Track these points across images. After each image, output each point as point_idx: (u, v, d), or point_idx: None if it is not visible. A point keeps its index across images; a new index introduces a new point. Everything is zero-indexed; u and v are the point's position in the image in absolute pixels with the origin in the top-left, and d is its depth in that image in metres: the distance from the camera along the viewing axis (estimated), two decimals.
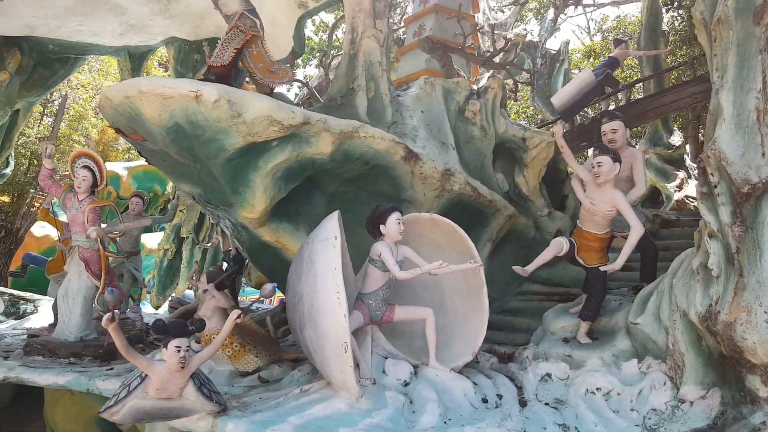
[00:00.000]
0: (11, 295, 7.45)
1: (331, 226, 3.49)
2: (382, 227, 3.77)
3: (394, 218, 3.77)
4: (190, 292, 8.79)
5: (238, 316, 3.19)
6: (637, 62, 12.94)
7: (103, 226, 5.38)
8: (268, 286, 3.63)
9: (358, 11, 4.81)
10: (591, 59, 17.96)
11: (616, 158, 3.96)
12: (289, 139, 3.88)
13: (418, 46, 6.50)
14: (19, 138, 23.11)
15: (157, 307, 9.01)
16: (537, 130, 5.52)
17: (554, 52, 15.42)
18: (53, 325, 6.48)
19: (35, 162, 23.82)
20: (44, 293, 8.16)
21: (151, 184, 20.48)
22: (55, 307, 6.59)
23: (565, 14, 15.22)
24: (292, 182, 4.31)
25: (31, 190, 24.26)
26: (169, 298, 8.46)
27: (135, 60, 8.53)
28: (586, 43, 20.70)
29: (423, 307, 3.91)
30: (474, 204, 4.88)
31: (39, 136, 23.69)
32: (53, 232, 11.97)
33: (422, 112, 4.90)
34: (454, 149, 4.84)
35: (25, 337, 6.00)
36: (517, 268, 4.02)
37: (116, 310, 3.61)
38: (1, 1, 6.14)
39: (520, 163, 5.49)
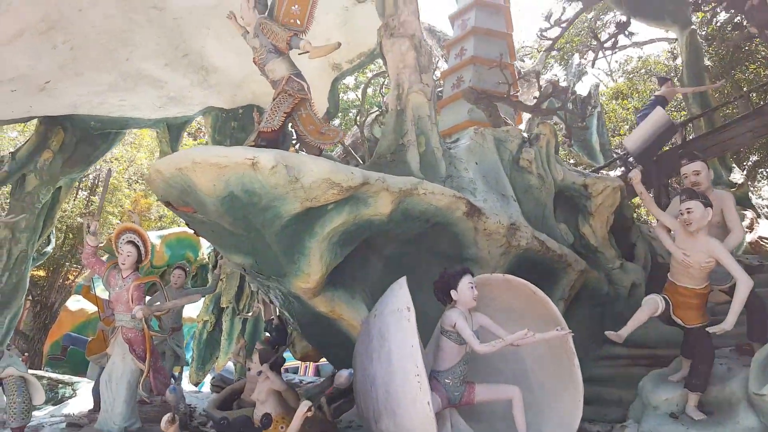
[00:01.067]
0: (49, 378, 7.22)
1: (401, 295, 3.17)
2: (453, 293, 3.43)
3: (466, 282, 3.43)
4: (230, 366, 8.45)
5: (309, 409, 2.82)
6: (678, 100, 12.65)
7: (148, 299, 5.16)
8: (344, 373, 3.20)
9: (402, 67, 4.68)
10: (618, 100, 17.79)
11: (707, 203, 3.60)
12: (346, 201, 3.65)
13: (463, 96, 6.37)
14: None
15: (196, 384, 8.65)
16: (598, 175, 5.20)
17: (584, 96, 15.33)
18: (93, 411, 6.17)
19: (71, 235, 24.34)
20: (82, 373, 7.92)
21: (184, 251, 20.60)
22: (95, 392, 6.30)
23: (585, 58, 15.19)
24: (348, 246, 4.04)
25: (67, 264, 24.72)
26: (210, 375, 8.11)
27: (173, 131, 8.65)
28: (609, 85, 20.64)
29: (507, 384, 3.49)
30: (542, 260, 4.51)
31: (75, 210, 24.42)
32: (88, 306, 11.88)
33: (476, 163, 4.64)
34: (515, 201, 4.53)
35: (64, 426, 5.71)
36: (610, 334, 3.59)
37: (176, 411, 3.25)
38: (47, 83, 6.27)
39: (584, 211, 5.14)
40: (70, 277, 25.71)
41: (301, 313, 4.66)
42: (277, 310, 7.69)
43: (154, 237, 20.06)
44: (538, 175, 4.92)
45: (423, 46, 4.73)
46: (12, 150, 7.26)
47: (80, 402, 6.68)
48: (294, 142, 4.63)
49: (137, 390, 4.94)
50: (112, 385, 4.91)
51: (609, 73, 21.58)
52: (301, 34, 4.16)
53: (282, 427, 4.13)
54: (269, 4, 4.36)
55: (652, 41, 17.01)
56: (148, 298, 5.83)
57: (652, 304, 3.60)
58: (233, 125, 8.85)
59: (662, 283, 3.84)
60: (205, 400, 6.86)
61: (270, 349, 4.45)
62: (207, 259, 14.60)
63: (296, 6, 4.16)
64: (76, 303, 11.81)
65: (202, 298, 9.14)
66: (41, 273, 25.64)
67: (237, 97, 8.38)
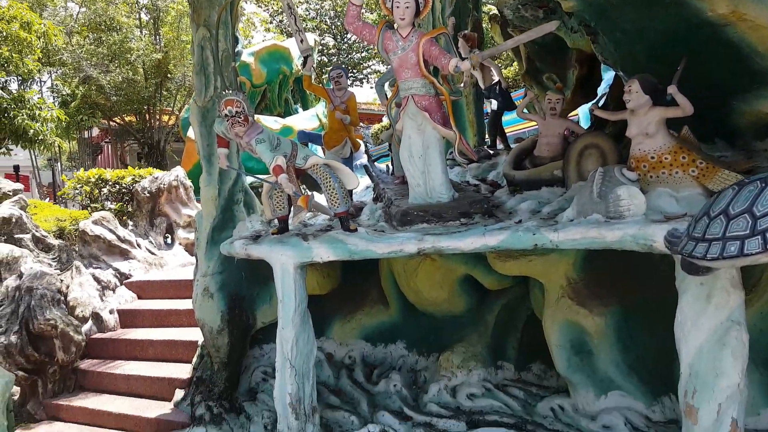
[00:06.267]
0: None
1: None
2: None
3: None
4: None
5: None
6: None
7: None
8: None
9: None
10: None
11: None
12: None
13: None
14: (131, 51, 23.20)
15: None
16: None
17: None
18: None
19: (152, 74, 24.09)
20: None
21: (278, 65, 19.97)
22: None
23: None
24: None
25: (156, 104, 24.90)
26: None
27: None
28: None
29: None
30: None
31: (149, 48, 23.62)
32: None
33: None
34: None
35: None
36: None
37: None
38: None
39: None
40: (164, 118, 26.21)
41: (662, 31, 3.82)
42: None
43: (246, 55, 19.22)
44: None
45: None
46: None
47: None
48: None
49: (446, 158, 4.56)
50: (415, 160, 4.51)
51: None
52: None
53: (683, 157, 3.64)
54: None
55: None
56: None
57: None
58: None
59: None
60: None
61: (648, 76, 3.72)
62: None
63: None
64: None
65: None
66: (133, 118, 26.24)
67: None
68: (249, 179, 6.90)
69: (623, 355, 4.14)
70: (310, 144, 6.68)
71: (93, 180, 8.88)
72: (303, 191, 4.51)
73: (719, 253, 2.29)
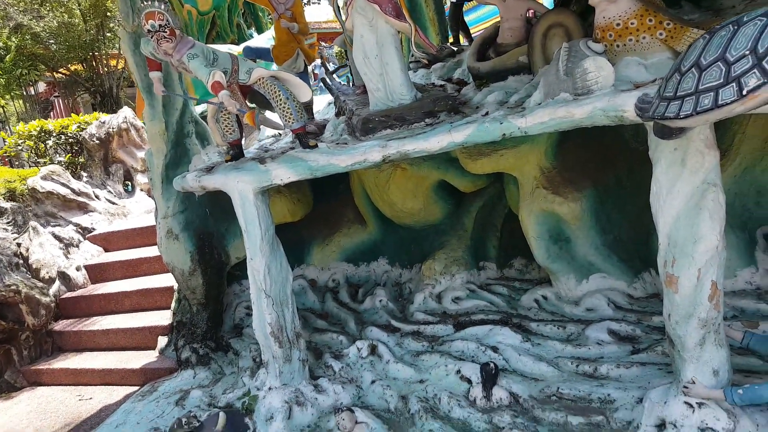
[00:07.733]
0: None
1: None
2: None
3: None
4: None
5: None
6: None
7: None
8: None
9: None
10: None
11: None
12: None
13: None
14: None
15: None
16: None
17: None
18: (310, 119, 5.80)
19: (91, 16, 22.50)
20: None
21: None
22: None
23: None
24: None
25: (101, 48, 23.47)
26: None
27: None
28: None
29: None
30: None
31: None
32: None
33: None
34: None
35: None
36: None
37: None
38: None
39: None
40: (112, 62, 24.80)
41: None
42: None
43: None
44: None
45: None
46: None
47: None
48: None
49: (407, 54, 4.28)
50: (370, 61, 4.24)
51: None
52: None
53: (650, 20, 3.42)
54: None
55: None
56: None
57: None
58: None
59: None
60: None
61: None
62: None
63: None
64: None
65: None
66: (79, 67, 24.76)
67: None
68: (199, 109, 6.55)
69: (601, 237, 4.13)
70: (259, 61, 6.30)
71: (35, 133, 8.40)
72: (249, 108, 4.23)
73: (693, 109, 2.13)
